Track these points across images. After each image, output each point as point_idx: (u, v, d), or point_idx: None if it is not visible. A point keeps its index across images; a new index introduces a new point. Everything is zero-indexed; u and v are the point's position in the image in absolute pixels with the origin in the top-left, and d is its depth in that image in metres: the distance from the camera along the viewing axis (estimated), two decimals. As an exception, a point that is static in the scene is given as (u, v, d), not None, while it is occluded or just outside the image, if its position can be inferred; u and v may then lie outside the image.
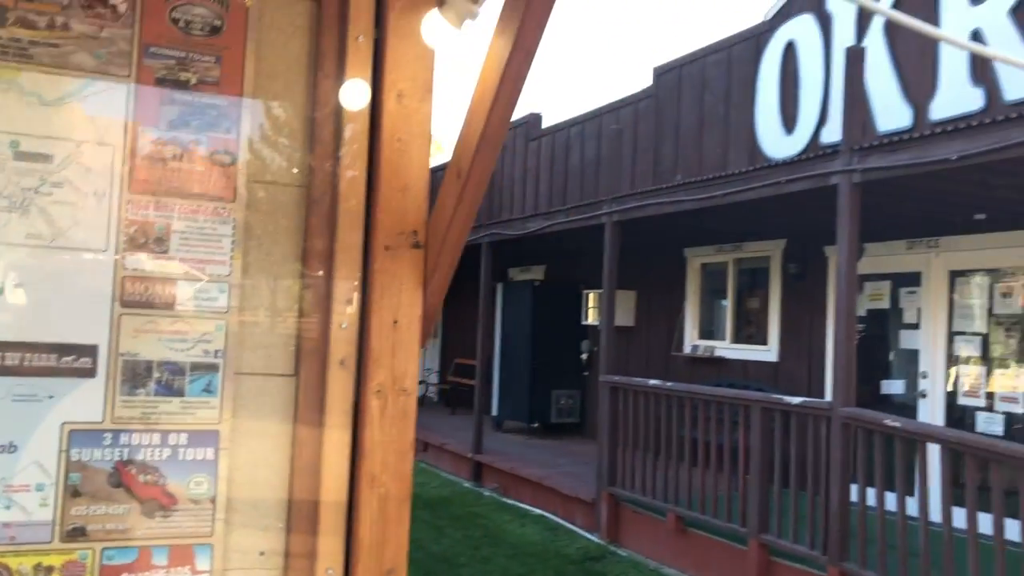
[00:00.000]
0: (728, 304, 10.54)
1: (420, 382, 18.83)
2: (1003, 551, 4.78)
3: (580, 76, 55.24)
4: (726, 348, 10.43)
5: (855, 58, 6.08)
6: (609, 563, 7.67)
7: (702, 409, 7.22)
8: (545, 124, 14.82)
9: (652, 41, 52.94)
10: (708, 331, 10.90)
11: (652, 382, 7.98)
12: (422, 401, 17.25)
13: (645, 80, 12.37)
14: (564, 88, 52.56)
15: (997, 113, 6.63)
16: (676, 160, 11.30)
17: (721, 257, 10.65)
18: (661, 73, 11.75)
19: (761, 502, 6.55)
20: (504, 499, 10.21)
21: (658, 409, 7.78)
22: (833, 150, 6.33)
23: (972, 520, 5.06)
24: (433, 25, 1.56)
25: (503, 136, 1.59)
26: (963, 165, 5.24)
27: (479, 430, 11.16)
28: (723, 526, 6.92)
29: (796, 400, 6.37)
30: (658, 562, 7.72)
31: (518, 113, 14.03)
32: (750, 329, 10.28)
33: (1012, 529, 5.06)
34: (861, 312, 8.81)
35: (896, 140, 5.77)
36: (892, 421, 5.55)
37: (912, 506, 5.66)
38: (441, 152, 37.04)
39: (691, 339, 11.03)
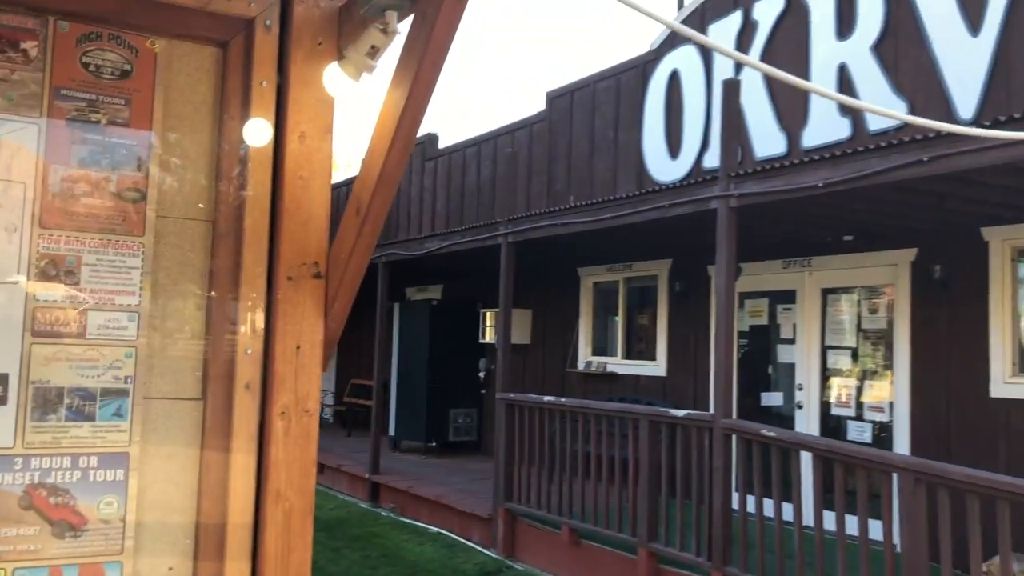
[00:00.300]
0: (619, 321, 10.90)
1: (316, 403, 18.64)
2: (867, 550, 5.17)
3: (476, 97, 55.76)
4: (618, 364, 10.78)
5: (731, 91, 6.48)
6: (506, 577, 7.83)
7: (594, 423, 7.48)
8: (442, 144, 15.00)
9: (548, 64, 53.92)
10: (601, 348, 11.23)
11: (547, 398, 8.21)
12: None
13: (539, 104, 12.72)
14: (461, 109, 52.94)
15: (862, 143, 7.16)
16: (569, 182, 11.63)
17: (612, 276, 11.02)
18: (554, 97, 12.10)
19: (650, 512, 6.83)
20: (402, 519, 10.25)
21: (552, 425, 8.01)
22: (712, 176, 6.71)
23: (840, 522, 5.44)
24: (333, 76, 1.70)
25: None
26: (828, 191, 5.66)
27: (376, 450, 11.17)
28: (615, 536, 7.17)
29: (680, 413, 6.69)
30: (553, 574, 7.92)
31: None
32: (640, 345, 10.66)
33: (875, 529, 5.45)
34: (743, 328, 9.29)
35: (769, 168, 6.17)
36: (768, 431, 5.91)
37: (788, 511, 6.02)
38: (337, 170, 36.72)
39: (585, 356, 11.35)
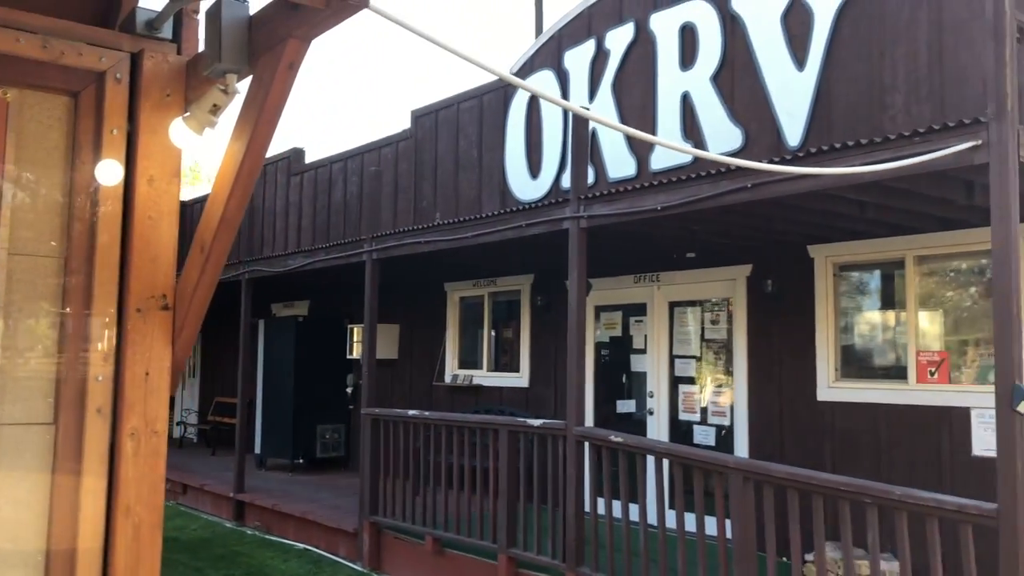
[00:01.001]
0: (485, 335, 11.21)
1: (178, 423, 18.04)
2: (704, 545, 5.62)
3: (344, 113, 55.30)
4: (484, 376, 11.07)
5: (579, 122, 6.89)
6: (371, 589, 7.96)
7: (456, 435, 7.73)
8: (308, 159, 14.98)
9: (412, 84, 54.05)
10: (468, 361, 11.50)
11: (411, 412, 8.40)
12: (180, 442, 16.67)
13: (406, 121, 12.93)
14: (328, 124, 52.38)
15: (705, 168, 7.72)
16: (435, 199, 11.87)
17: (478, 291, 11.32)
18: (419, 116, 12.33)
19: (509, 518, 7.12)
20: (268, 537, 10.20)
21: (416, 438, 8.21)
22: (564, 198, 7.09)
23: (680, 520, 5.89)
24: (179, 132, 1.88)
25: (240, 218, 1.93)
26: (666, 214, 6.12)
27: (241, 469, 11.06)
28: (476, 544, 7.43)
29: (537, 422, 7.02)
30: (419, 584, 8.12)
31: (280, 148, 14.14)
32: (505, 358, 11.00)
33: (711, 525, 5.92)
34: (603, 339, 9.76)
35: (615, 191, 6.60)
36: (615, 437, 6.31)
37: (636, 511, 6.43)
38: (201, 183, 35.68)
39: (452, 369, 11.60)
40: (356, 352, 12.78)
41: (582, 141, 6.90)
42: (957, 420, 6.58)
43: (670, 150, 8.52)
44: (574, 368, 6.80)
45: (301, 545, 9.64)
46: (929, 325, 6.93)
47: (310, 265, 10.12)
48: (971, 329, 6.84)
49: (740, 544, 5.39)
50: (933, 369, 6.79)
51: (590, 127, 9.40)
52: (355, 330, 12.81)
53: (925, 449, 6.75)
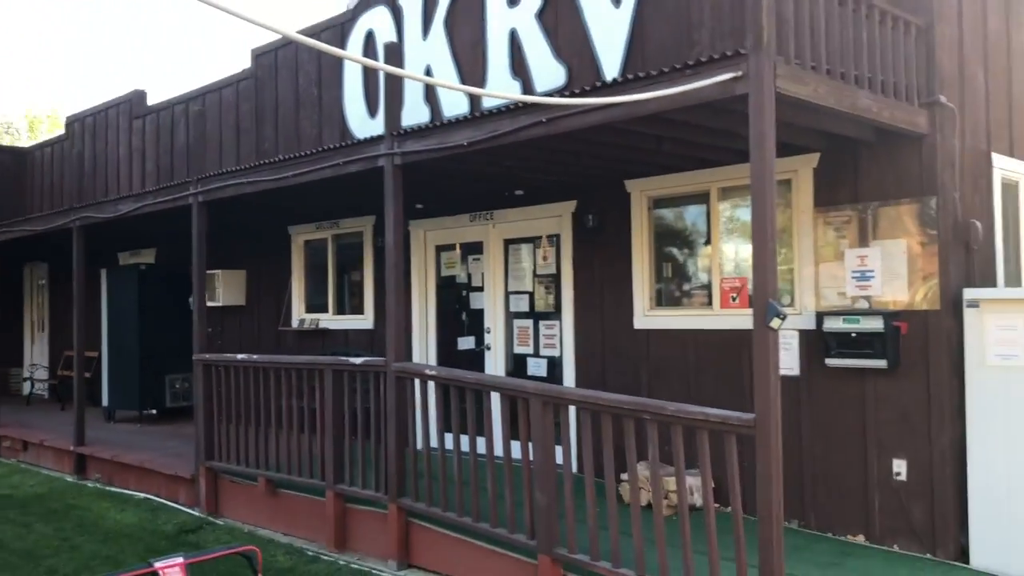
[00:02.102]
0: (330, 278, 11.13)
1: (26, 379, 17.30)
2: (510, 466, 5.83)
3: (187, 53, 52.84)
4: (330, 320, 11.03)
5: (391, 52, 6.85)
6: (205, 533, 7.94)
7: (284, 377, 7.71)
8: (151, 102, 14.37)
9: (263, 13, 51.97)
10: (314, 305, 11.42)
11: (240, 356, 8.33)
12: (28, 399, 16.01)
13: (246, 61, 12.54)
14: (171, 65, 49.95)
15: (523, 105, 7.79)
16: (277, 140, 11.61)
17: (322, 234, 11.20)
18: (259, 55, 11.97)
19: (336, 456, 7.20)
20: (109, 488, 9.99)
21: (247, 381, 8.14)
22: (380, 136, 7.05)
23: (490, 444, 6.08)
24: None
25: None
26: (473, 149, 6.18)
27: (81, 422, 10.75)
28: (306, 483, 7.49)
29: (359, 360, 7.08)
30: (253, 525, 8.13)
31: (121, 90, 13.46)
32: (351, 301, 10.96)
33: (516, 448, 6.14)
34: (444, 277, 9.86)
35: (426, 127, 6.61)
36: (430, 371, 6.44)
37: (462, 441, 6.60)
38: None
39: (299, 313, 11.50)
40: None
41: (395, 76, 6.86)
42: (756, 342, 6.96)
43: (502, 86, 8.56)
44: (392, 305, 6.88)
45: (142, 494, 9.49)
46: (731, 254, 7.27)
47: (139, 210, 9.78)
48: (770, 256, 7.22)
49: (541, 465, 5.61)
50: (735, 295, 7.16)
51: (424, 66, 9.38)
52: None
53: (730, 371, 7.13)
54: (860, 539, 6.36)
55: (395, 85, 6.93)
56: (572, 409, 5.54)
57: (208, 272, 12.26)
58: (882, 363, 6.14)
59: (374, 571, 6.71)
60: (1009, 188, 6.93)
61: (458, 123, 6.30)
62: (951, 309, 6.01)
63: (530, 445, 5.71)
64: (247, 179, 8.19)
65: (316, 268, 11.47)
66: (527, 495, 5.71)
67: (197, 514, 8.59)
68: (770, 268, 4.57)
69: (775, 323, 4.57)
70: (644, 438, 5.02)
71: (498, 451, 5.95)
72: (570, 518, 5.49)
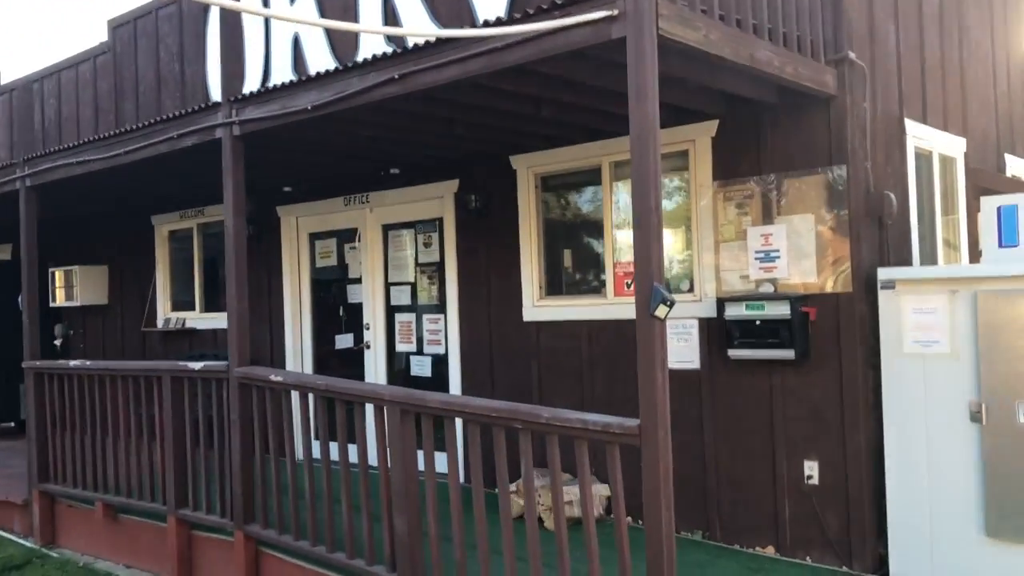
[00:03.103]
0: (196, 273, 10.05)
1: None
2: (366, 476, 4.96)
3: (43, 28, 49.64)
4: (197, 319, 9.95)
5: (231, 13, 5.89)
6: (33, 569, 6.85)
7: (122, 386, 6.67)
8: (4, 80, 12.97)
9: None
10: (181, 302, 10.31)
11: (73, 363, 7.27)
12: None
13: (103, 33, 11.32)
14: (25, 41, 46.77)
15: (408, 57, 6.89)
16: (138, 119, 10.44)
17: (187, 223, 10.10)
18: (116, 26, 10.75)
19: (178, 476, 6.21)
20: (-61, 516, 8.74)
21: (82, 392, 7.07)
22: (216, 103, 6.07)
23: (344, 453, 5.19)
24: None
25: None
26: (318, 114, 5.28)
27: (-91, 440, 9.44)
28: (147, 507, 6.50)
29: (198, 365, 6.11)
30: (93, 556, 7.08)
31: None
32: (220, 298, 9.89)
33: (369, 455, 5.28)
34: (318, 268, 8.90)
35: (267, 90, 5.67)
36: (276, 376, 5.52)
37: (300, 452, 5.68)
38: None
39: (164, 312, 10.37)
40: (60, 299, 11.25)
41: (234, 33, 5.91)
42: (654, 333, 6.23)
43: (373, 38, 7.61)
44: (234, 302, 5.92)
45: (-28, 524, 8.30)
46: (626, 237, 6.53)
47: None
48: (665, 236, 6.50)
49: (401, 484, 4.76)
50: (629, 281, 6.41)
51: (293, 33, 8.38)
52: (57, 274, 11.26)
53: (625, 365, 6.38)
54: (770, 551, 5.68)
55: (233, 37, 5.97)
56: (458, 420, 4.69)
57: (64, 268, 11.14)
58: (789, 353, 5.46)
59: (219, 610, 5.76)
60: (923, 158, 6.34)
61: (300, 83, 5.38)
62: (864, 291, 5.37)
63: (389, 461, 4.84)
64: (76, 159, 7.09)
65: (183, 262, 10.36)
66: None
67: (30, 544, 7.47)
68: (655, 247, 3.80)
69: (661, 311, 3.80)
70: (538, 448, 4.21)
71: (354, 460, 5.08)
72: (434, 547, 4.65)
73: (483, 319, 7.33)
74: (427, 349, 7.87)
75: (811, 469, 5.52)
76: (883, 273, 5.28)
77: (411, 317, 8.04)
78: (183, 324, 10.01)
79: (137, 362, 7.71)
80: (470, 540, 4.36)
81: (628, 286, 6.42)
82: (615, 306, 6.45)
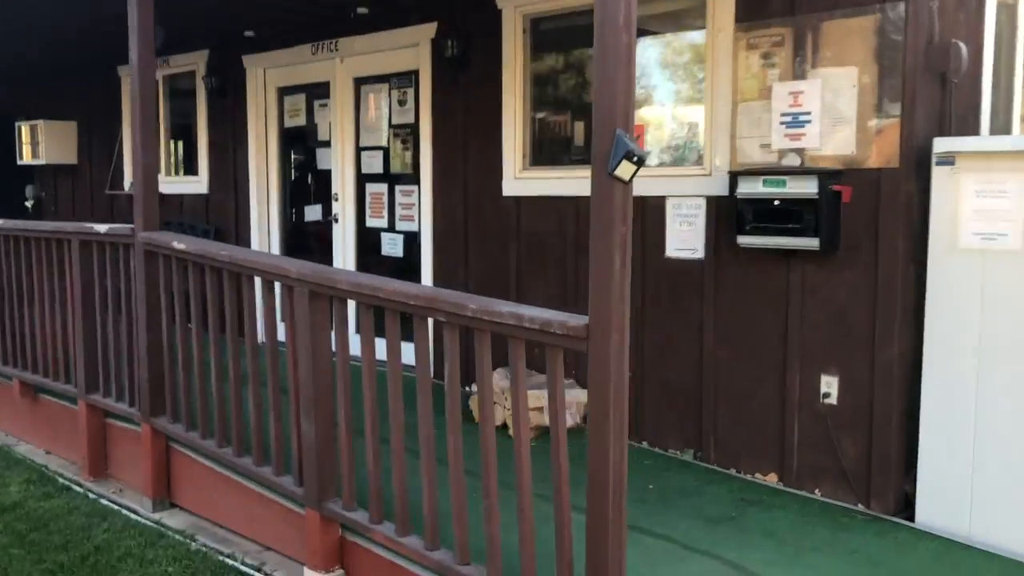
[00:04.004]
0: (162, 131, 9.04)
1: None
2: (255, 365, 4.04)
3: None
4: (165, 182, 8.93)
5: None
6: (-55, 449, 6.15)
7: (35, 250, 5.77)
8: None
9: None
10: (148, 164, 9.34)
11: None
12: None
13: None
14: None
15: None
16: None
17: (152, 75, 9.01)
18: None
19: (88, 356, 5.35)
20: None
21: (-3, 255, 6.20)
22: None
23: (253, 344, 4.29)
24: None
25: None
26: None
27: None
28: (62, 388, 5.68)
29: (103, 228, 5.15)
30: (17, 437, 6.37)
31: None
32: (189, 160, 8.92)
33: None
34: (288, 128, 7.86)
35: None
36: (179, 243, 4.55)
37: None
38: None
39: (131, 174, 9.42)
40: (28, 156, 10.37)
41: None
42: (652, 214, 5.16)
43: None
44: (139, 155, 4.91)
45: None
46: (626, 92, 5.35)
47: None
48: (672, 96, 5.33)
49: (308, 383, 3.83)
50: (627, 149, 5.28)
51: None
52: (24, 129, 10.34)
53: (617, 251, 5.35)
54: (772, 479, 4.73)
55: None
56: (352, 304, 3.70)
57: (30, 123, 10.21)
58: (813, 242, 4.36)
59: (125, 511, 4.98)
60: (1006, 8, 5.03)
61: None
62: (914, 167, 4.21)
63: (297, 352, 3.89)
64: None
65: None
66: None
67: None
68: (621, 79, 2.69)
69: (624, 170, 2.73)
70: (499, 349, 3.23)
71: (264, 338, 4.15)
72: (346, 459, 3.76)
73: (458, 192, 6.28)
74: (400, 226, 6.86)
75: (828, 385, 4.50)
76: (940, 144, 4.10)
77: (383, 188, 7.00)
78: (148, 188, 9.06)
79: (49, 223, 6.82)
80: (414, 448, 3.43)
81: (625, 155, 5.29)
82: (608, 179, 5.34)
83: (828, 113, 4.40)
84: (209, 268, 4.39)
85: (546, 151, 5.92)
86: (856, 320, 4.38)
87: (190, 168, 8.72)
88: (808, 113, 4.47)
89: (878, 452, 4.35)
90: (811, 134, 4.47)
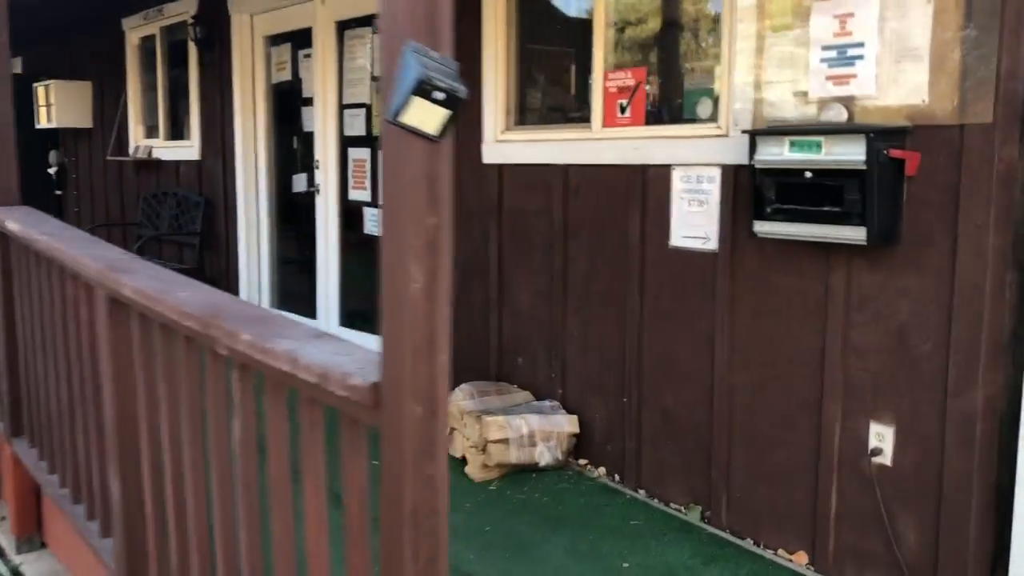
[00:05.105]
0: (160, 90, 8.18)
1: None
2: (83, 390, 3.00)
3: None
4: (162, 147, 8.16)
5: None
6: None
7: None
8: None
9: None
10: (151, 127, 8.54)
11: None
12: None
13: None
14: None
15: None
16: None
17: (150, 28, 8.16)
18: None
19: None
20: None
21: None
22: None
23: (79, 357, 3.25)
24: None
25: None
26: None
27: None
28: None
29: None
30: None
31: None
32: (185, 122, 8.02)
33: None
34: (275, 83, 6.84)
35: None
36: (12, 224, 3.55)
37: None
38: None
39: (136, 138, 8.64)
40: (44, 120, 9.74)
41: None
42: (654, 187, 3.86)
43: None
44: (9, 123, 3.93)
45: None
46: (626, 32, 4.06)
47: None
48: (676, 28, 3.99)
49: (113, 413, 2.77)
50: (624, 101, 3.99)
51: None
52: (40, 91, 9.70)
53: (611, 238, 4.09)
54: (800, 561, 3.42)
55: None
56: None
57: (44, 84, 9.57)
58: (859, 233, 2.99)
59: (-10, 551, 4.08)
60: None
61: None
62: (1013, 125, 2.78)
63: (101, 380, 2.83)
64: None
65: (152, 76, 8.50)
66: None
67: None
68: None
69: (417, 114, 1.50)
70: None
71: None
72: (152, 520, 2.69)
73: (440, 158, 5.09)
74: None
75: (880, 438, 3.14)
76: (1060, 87, 2.66)
77: (366, 154, 5.88)
78: (149, 153, 8.25)
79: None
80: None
81: (622, 110, 4.00)
82: (602, 142, 4.07)
83: (889, 44, 3.00)
84: (35, 256, 3.37)
85: (535, 109, 4.68)
86: (922, 347, 3.00)
87: (184, 132, 7.82)
88: (860, 45, 3.08)
89: (948, 540, 2.98)
90: (864, 76, 3.08)
